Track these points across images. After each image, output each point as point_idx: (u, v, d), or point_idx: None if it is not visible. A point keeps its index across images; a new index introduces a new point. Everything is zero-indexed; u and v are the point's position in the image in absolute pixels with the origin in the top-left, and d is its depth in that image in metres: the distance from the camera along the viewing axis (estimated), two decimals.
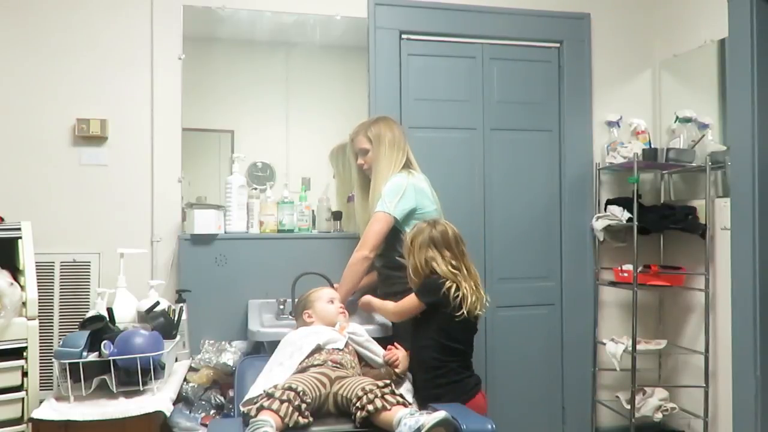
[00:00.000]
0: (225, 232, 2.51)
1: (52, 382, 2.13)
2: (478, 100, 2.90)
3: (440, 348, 1.99)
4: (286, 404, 1.56)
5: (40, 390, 1.98)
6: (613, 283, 2.90)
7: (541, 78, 2.97)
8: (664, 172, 2.96)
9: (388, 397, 1.62)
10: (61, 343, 1.83)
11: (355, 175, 2.48)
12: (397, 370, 1.93)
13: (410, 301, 2.05)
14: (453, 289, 1.98)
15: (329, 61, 2.81)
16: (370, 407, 1.59)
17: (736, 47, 2.54)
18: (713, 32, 2.70)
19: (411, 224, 2.25)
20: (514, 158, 2.93)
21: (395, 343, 2.05)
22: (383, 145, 2.33)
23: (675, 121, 2.83)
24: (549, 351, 2.93)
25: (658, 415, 2.74)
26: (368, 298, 2.21)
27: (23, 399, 1.92)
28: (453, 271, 2.02)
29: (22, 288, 1.98)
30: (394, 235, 2.26)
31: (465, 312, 1.96)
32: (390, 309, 2.13)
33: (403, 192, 2.24)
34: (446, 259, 2.03)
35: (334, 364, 1.82)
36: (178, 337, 2.12)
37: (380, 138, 2.34)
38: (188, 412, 2.08)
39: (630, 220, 2.73)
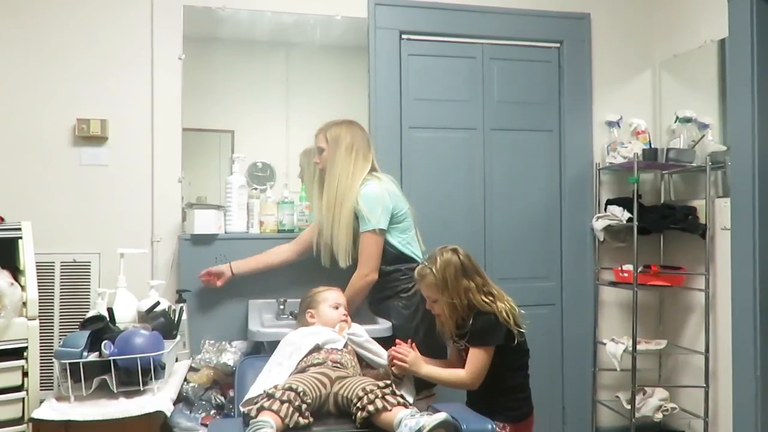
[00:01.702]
0: (225, 232, 2.51)
1: (52, 382, 2.13)
2: (478, 100, 2.90)
3: (519, 367, 1.98)
4: (286, 405, 1.56)
5: (41, 390, 1.98)
6: (613, 283, 2.90)
7: (541, 78, 2.97)
8: (664, 172, 2.96)
9: (388, 397, 1.62)
10: (61, 343, 1.82)
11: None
12: (393, 369, 1.92)
13: (480, 356, 1.88)
14: (503, 313, 1.91)
15: (329, 61, 2.81)
16: (371, 407, 1.59)
17: (736, 47, 2.54)
18: (713, 32, 2.70)
19: (390, 230, 2.24)
20: (514, 158, 2.93)
21: (411, 344, 1.97)
22: (339, 149, 2.28)
23: (675, 121, 2.83)
24: (549, 351, 2.93)
25: (659, 415, 2.74)
26: (428, 370, 1.94)
27: (23, 399, 1.92)
28: (486, 300, 1.92)
29: (23, 288, 1.98)
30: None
31: (521, 325, 1.92)
32: (465, 379, 1.90)
33: (382, 202, 2.21)
34: (479, 286, 1.94)
35: (334, 364, 1.82)
36: (179, 337, 2.12)
37: (338, 141, 2.29)
38: (188, 412, 2.08)
39: (630, 220, 2.73)
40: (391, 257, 2.25)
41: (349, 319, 2.11)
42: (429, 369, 1.93)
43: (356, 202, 2.21)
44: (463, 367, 1.95)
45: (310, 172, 2.64)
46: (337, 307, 2.10)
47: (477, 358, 1.89)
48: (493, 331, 1.89)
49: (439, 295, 1.95)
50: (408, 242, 2.28)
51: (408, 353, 1.92)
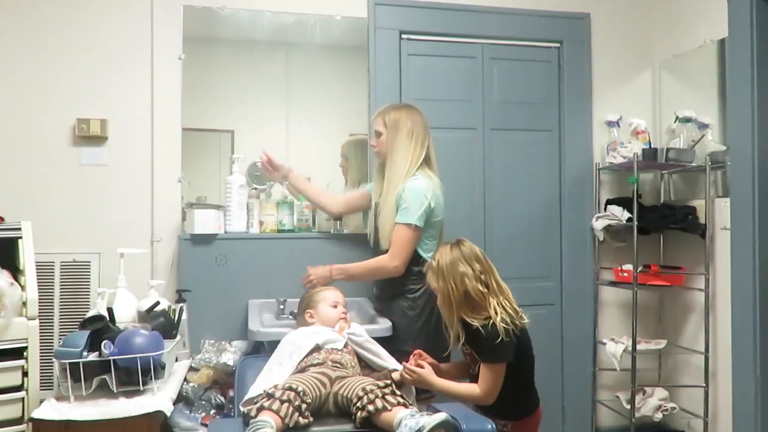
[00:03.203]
0: (225, 232, 2.51)
1: (52, 382, 2.13)
2: (478, 100, 2.90)
3: (520, 369, 1.92)
4: (286, 404, 1.56)
5: (41, 390, 1.98)
6: (613, 283, 2.90)
7: (541, 78, 2.97)
8: (664, 172, 2.96)
9: (388, 397, 1.62)
10: (61, 342, 1.83)
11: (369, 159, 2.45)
12: (394, 376, 1.89)
13: (493, 372, 1.83)
14: (491, 308, 1.86)
15: (329, 61, 2.81)
16: (371, 407, 1.59)
17: (736, 47, 2.54)
18: (713, 32, 2.70)
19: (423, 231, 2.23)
20: (514, 158, 2.93)
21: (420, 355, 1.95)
22: (400, 134, 2.26)
23: (675, 121, 2.83)
24: (549, 351, 2.93)
25: (658, 415, 2.74)
26: (441, 384, 1.89)
27: (23, 399, 1.91)
28: (482, 289, 1.88)
29: (23, 288, 1.98)
30: None
31: (511, 330, 1.84)
32: (481, 397, 1.84)
33: (428, 201, 2.20)
34: (476, 272, 1.89)
35: (334, 364, 1.82)
36: (178, 336, 2.11)
37: (398, 125, 2.27)
38: (188, 412, 2.09)
39: (630, 220, 2.73)
40: (411, 257, 2.23)
41: (348, 317, 2.12)
42: (441, 382, 1.89)
43: (402, 190, 2.20)
44: (468, 373, 1.96)
45: (351, 161, 2.73)
46: (335, 306, 2.10)
47: (490, 374, 1.84)
48: (502, 347, 1.83)
49: (437, 282, 1.94)
50: (429, 249, 2.26)
51: (423, 365, 1.89)
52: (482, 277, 1.91)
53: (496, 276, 1.96)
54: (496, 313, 1.85)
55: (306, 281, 2.31)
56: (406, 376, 1.86)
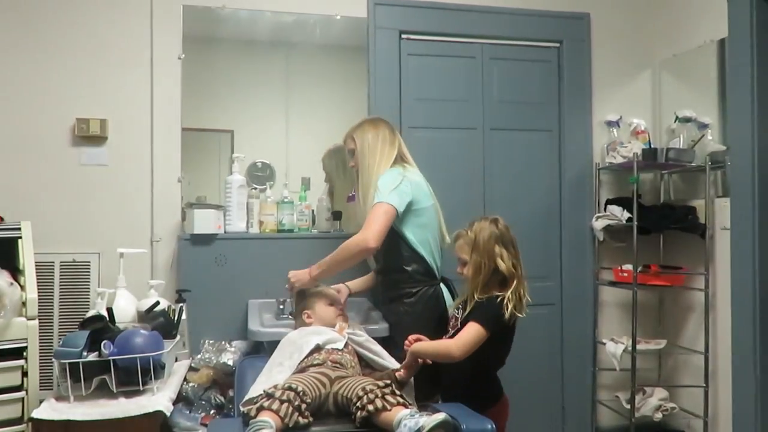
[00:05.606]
0: (225, 232, 2.51)
1: (52, 382, 2.13)
2: (478, 100, 2.90)
3: (495, 357, 1.98)
4: (286, 404, 1.56)
5: (40, 390, 1.98)
6: (613, 283, 2.90)
7: (540, 78, 2.97)
8: (663, 172, 2.96)
9: (388, 397, 1.62)
10: (60, 343, 1.83)
11: (354, 177, 2.41)
12: (398, 375, 1.90)
13: (474, 331, 1.88)
14: (510, 304, 1.91)
15: (329, 61, 2.81)
16: (371, 407, 1.59)
17: (736, 47, 2.54)
18: (713, 32, 2.70)
19: (408, 223, 2.18)
20: (514, 158, 2.93)
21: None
22: (366, 141, 2.28)
23: (675, 121, 2.83)
24: (549, 351, 2.93)
25: (658, 415, 2.74)
26: (417, 345, 1.92)
27: (23, 399, 1.92)
28: (513, 270, 1.96)
29: (22, 288, 1.99)
30: (395, 239, 2.18)
31: (513, 317, 1.92)
32: (451, 347, 1.88)
33: (399, 183, 2.15)
34: (509, 256, 1.97)
35: (334, 364, 1.82)
36: (178, 336, 2.12)
37: (363, 135, 2.30)
38: (188, 412, 2.09)
39: (630, 219, 2.73)
40: (405, 253, 2.20)
41: (346, 315, 2.12)
42: (421, 345, 1.91)
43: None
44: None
45: (336, 174, 2.71)
46: (332, 305, 2.10)
47: (471, 333, 1.88)
48: (494, 316, 1.90)
49: (470, 255, 1.98)
50: (424, 241, 2.21)
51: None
52: (514, 261, 1.98)
53: (521, 263, 2.02)
54: (510, 298, 1.92)
55: (289, 287, 2.24)
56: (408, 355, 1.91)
